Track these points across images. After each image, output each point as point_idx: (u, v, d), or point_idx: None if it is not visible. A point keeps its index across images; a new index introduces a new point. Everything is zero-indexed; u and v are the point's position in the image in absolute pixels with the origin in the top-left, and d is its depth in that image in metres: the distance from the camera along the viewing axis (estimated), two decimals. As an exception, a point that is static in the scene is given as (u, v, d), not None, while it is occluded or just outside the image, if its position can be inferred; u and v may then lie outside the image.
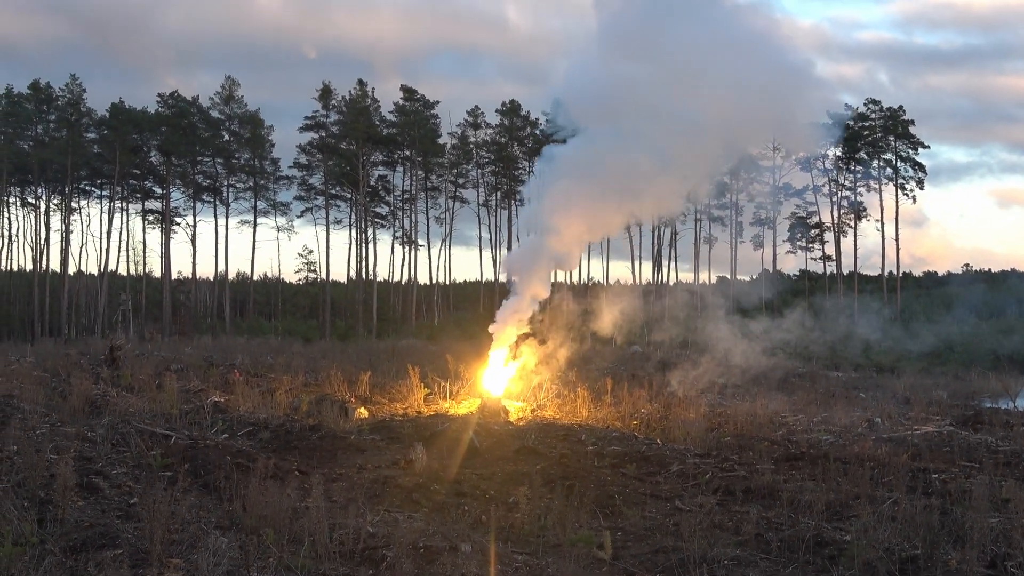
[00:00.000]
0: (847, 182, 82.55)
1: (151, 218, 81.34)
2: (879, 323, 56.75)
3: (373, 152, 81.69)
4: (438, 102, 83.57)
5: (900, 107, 78.44)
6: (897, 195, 79.84)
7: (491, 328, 23.55)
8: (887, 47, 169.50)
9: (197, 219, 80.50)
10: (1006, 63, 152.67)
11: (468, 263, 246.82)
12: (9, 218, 79.27)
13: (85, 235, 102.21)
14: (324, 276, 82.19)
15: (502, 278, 72.04)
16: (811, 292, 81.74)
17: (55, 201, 78.01)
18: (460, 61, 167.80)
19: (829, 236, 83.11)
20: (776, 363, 34.02)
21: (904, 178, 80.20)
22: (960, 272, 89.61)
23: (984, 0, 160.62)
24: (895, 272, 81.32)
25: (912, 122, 78.89)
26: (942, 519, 11.58)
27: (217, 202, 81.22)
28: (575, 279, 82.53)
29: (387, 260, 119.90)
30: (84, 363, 27.16)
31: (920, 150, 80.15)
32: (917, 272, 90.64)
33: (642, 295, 77.71)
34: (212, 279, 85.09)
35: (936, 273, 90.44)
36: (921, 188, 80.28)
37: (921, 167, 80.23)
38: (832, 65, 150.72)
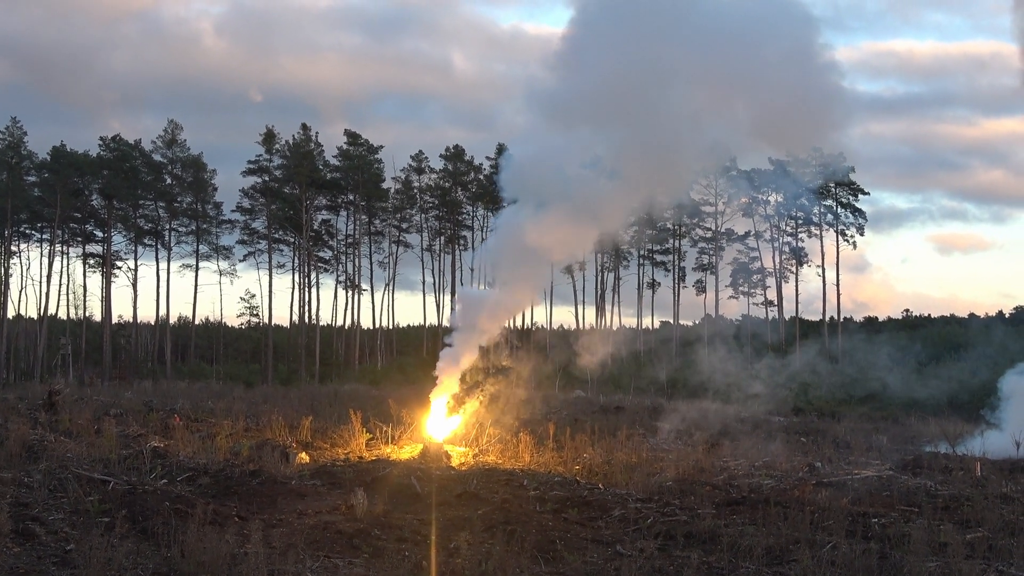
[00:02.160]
0: (788, 228, 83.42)
1: (92, 262, 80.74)
2: (819, 368, 57.17)
3: (317, 196, 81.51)
4: (382, 147, 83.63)
5: (840, 153, 79.32)
6: (838, 241, 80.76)
7: (435, 373, 23.58)
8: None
9: (138, 262, 79.89)
10: (946, 111, 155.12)
11: (412, 308, 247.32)
12: (-53, 261, 78.34)
13: (24, 278, 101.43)
14: (267, 320, 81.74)
15: (446, 323, 72.08)
16: (754, 337, 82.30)
17: (-6, 244, 77.23)
18: (405, 105, 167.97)
19: (771, 281, 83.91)
20: (717, 408, 34.18)
21: (845, 224, 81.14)
22: (900, 317, 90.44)
23: (925, 49, 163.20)
24: (836, 317, 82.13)
25: (852, 168, 79.89)
26: (881, 563, 11.70)
27: (159, 246, 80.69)
28: (517, 323, 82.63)
29: (330, 304, 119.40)
30: (22, 408, 26.81)
31: (861, 196, 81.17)
32: (858, 317, 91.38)
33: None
34: (153, 323, 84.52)
35: (877, 318, 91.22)
36: (862, 234, 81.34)
37: (861, 213, 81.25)
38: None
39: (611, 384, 61.55)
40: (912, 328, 73.53)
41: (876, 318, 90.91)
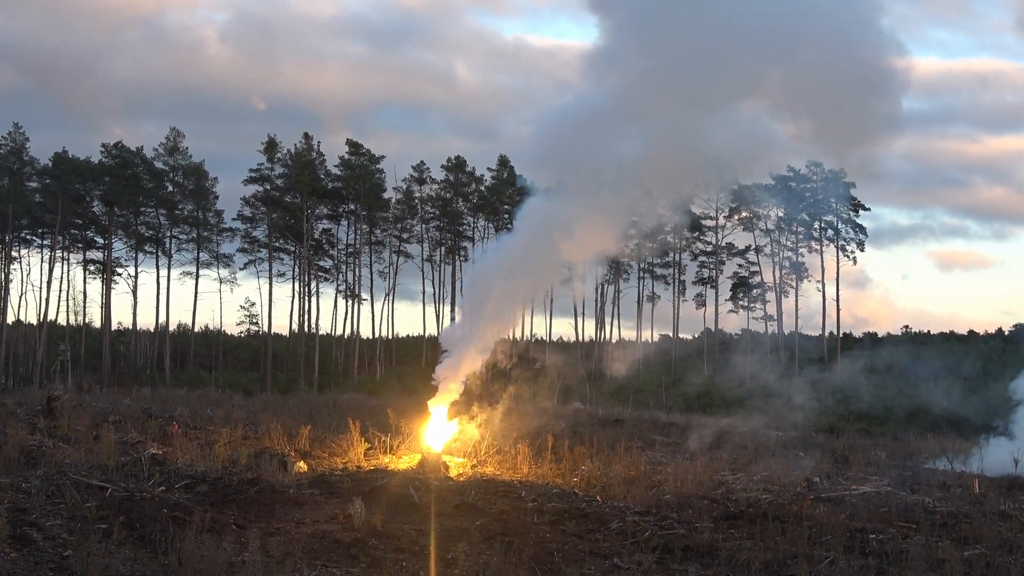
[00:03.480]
0: (789, 243, 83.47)
1: (92, 268, 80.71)
2: (818, 383, 57.07)
3: (318, 205, 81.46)
4: (383, 156, 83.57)
5: (841, 169, 79.40)
6: (838, 256, 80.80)
7: (433, 382, 23.57)
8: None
9: (139, 269, 79.85)
10: (949, 128, 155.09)
11: (411, 318, 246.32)
12: (-53, 266, 78.29)
13: (25, 284, 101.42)
14: (266, 329, 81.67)
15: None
16: (753, 351, 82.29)
17: (-6, 250, 77.18)
18: (407, 115, 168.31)
19: (771, 296, 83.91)
20: (716, 422, 34.17)
21: (845, 240, 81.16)
22: (899, 333, 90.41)
23: (928, 66, 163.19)
24: (835, 332, 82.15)
25: (853, 184, 79.88)
26: (878, 579, 11.67)
27: (159, 253, 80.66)
28: (517, 335, 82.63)
29: (330, 314, 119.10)
30: (20, 413, 26.78)
31: (862, 212, 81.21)
32: (858, 333, 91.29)
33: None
34: (153, 330, 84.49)
35: (876, 334, 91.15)
36: (862, 250, 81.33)
37: (862, 229, 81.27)
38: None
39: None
40: (911, 345, 73.38)
41: (876, 333, 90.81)
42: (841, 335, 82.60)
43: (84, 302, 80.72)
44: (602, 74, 23.55)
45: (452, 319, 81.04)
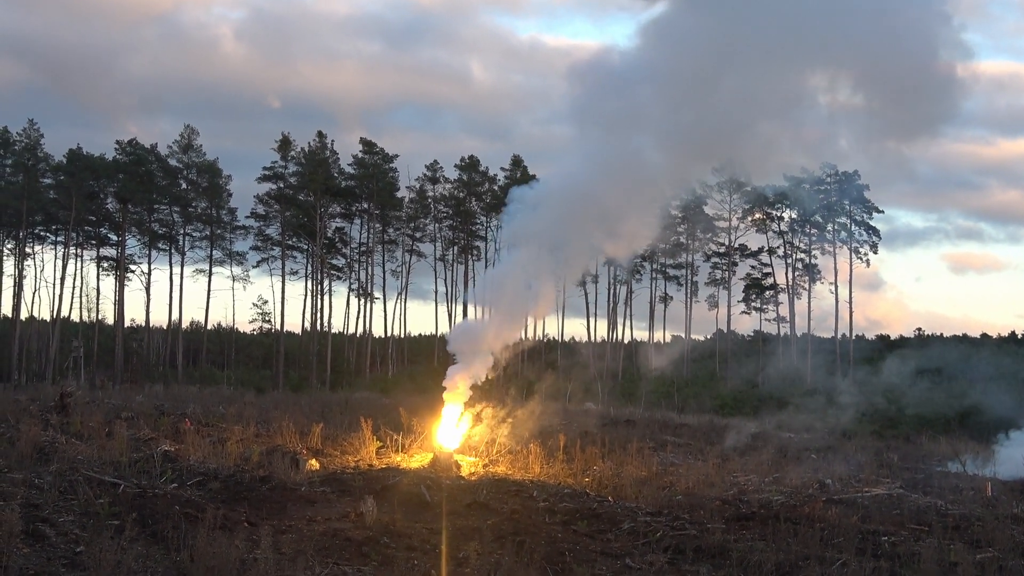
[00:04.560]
0: (802, 244, 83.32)
1: (105, 265, 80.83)
2: (831, 385, 56.86)
3: (331, 204, 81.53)
4: (397, 155, 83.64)
5: (855, 171, 79.22)
6: (851, 258, 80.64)
7: (445, 382, 23.53)
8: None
9: (152, 267, 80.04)
10: (964, 130, 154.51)
11: (424, 317, 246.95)
12: (-39, 262, 78.48)
13: (38, 281, 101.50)
14: (279, 327, 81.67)
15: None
16: (765, 353, 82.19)
17: (8, 246, 77.27)
18: (422, 114, 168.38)
19: (783, 297, 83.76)
20: (729, 423, 34.10)
21: (858, 242, 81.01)
22: (912, 336, 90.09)
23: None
24: (848, 335, 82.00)
25: (867, 187, 79.69)
26: (890, 582, 11.64)
27: (173, 250, 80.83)
28: (529, 335, 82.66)
29: (342, 312, 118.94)
30: (34, 409, 26.83)
31: (875, 214, 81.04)
32: (871, 335, 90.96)
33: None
34: (165, 327, 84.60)
35: (889, 336, 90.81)
36: (875, 252, 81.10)
37: (875, 231, 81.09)
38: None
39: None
40: (923, 348, 72.99)
41: (888, 336, 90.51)
42: (854, 337, 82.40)
43: (97, 299, 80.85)
44: (665, 38, 23.20)
45: (464, 315, 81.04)
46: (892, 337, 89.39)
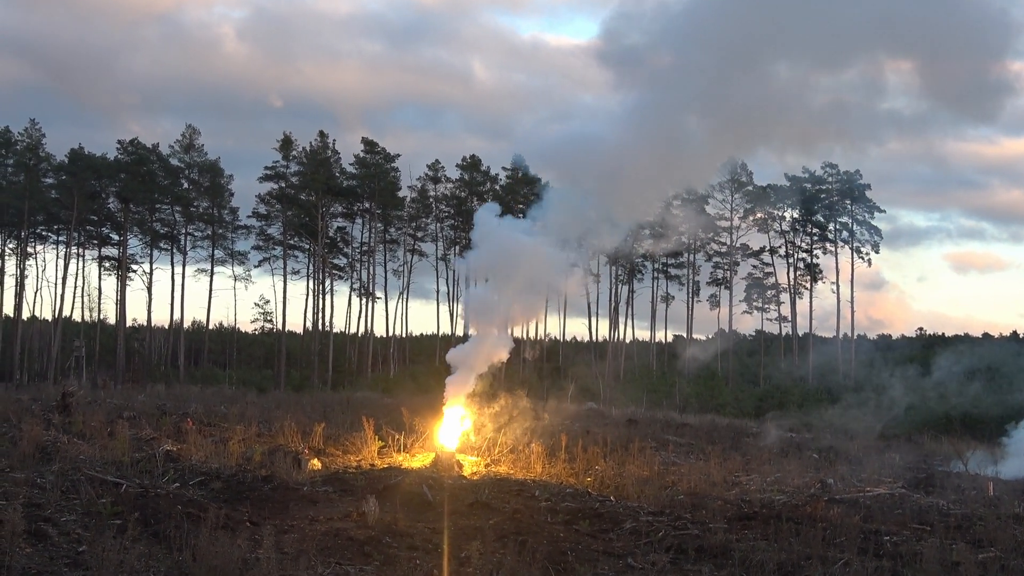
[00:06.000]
0: (803, 244, 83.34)
1: (107, 265, 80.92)
2: (833, 384, 56.83)
3: (332, 203, 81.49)
4: (398, 155, 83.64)
5: (857, 171, 79.23)
6: (853, 258, 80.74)
7: (447, 381, 23.54)
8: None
9: (154, 266, 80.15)
10: (968, 130, 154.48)
11: (425, 316, 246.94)
12: (-38, 262, 78.47)
13: (40, 280, 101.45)
14: (280, 326, 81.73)
15: (459, 331, 72.08)
16: (767, 353, 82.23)
17: (10, 246, 77.28)
18: (423, 114, 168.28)
19: (785, 297, 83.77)
20: (729, 422, 34.09)
21: (860, 241, 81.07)
22: (914, 335, 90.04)
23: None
24: (850, 334, 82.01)
25: (868, 186, 79.73)
26: (893, 581, 11.64)
27: (174, 250, 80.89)
28: (531, 335, 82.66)
29: (344, 312, 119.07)
30: (35, 409, 26.86)
31: (877, 214, 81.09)
32: (872, 334, 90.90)
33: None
34: (167, 327, 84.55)
35: (890, 336, 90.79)
36: (877, 252, 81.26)
37: (877, 231, 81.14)
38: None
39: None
40: (925, 347, 72.87)
41: (890, 336, 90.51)
42: (856, 336, 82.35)
43: (99, 299, 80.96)
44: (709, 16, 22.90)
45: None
46: (895, 336, 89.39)
